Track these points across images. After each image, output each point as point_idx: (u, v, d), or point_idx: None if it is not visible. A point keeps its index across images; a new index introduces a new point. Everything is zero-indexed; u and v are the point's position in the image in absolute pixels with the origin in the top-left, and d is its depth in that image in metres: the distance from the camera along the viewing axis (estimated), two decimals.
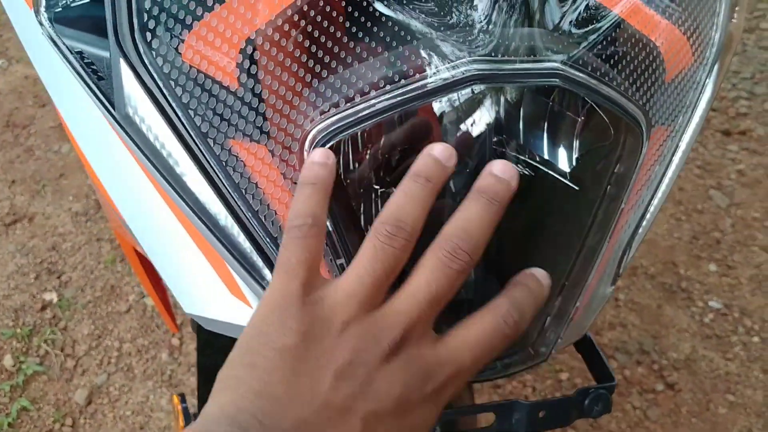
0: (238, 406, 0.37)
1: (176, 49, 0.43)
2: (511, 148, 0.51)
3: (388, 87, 0.44)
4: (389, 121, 0.45)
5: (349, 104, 0.44)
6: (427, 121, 0.46)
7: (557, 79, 0.46)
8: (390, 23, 0.44)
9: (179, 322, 1.62)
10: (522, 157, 0.51)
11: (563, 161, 0.52)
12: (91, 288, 1.82)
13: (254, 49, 0.43)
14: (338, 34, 0.44)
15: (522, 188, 0.48)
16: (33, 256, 1.91)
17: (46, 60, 0.55)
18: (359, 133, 0.45)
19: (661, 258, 1.73)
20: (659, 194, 0.58)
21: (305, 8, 0.43)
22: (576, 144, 0.53)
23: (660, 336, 1.56)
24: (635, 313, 1.62)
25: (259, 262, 0.48)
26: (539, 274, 0.46)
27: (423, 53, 0.44)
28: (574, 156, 0.53)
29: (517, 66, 0.45)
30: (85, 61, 0.46)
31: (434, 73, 0.44)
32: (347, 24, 0.44)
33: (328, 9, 0.43)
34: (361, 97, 0.44)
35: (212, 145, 0.45)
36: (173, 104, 0.44)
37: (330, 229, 0.45)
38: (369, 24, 0.44)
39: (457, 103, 0.46)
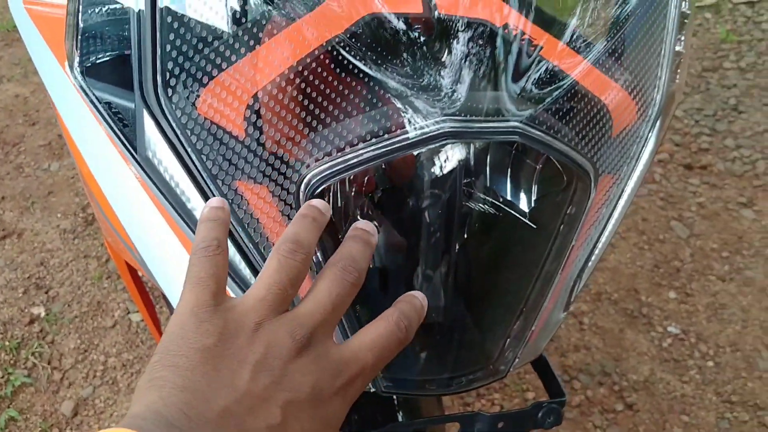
0: (164, 402, 0.39)
1: (193, 103, 0.50)
2: (478, 189, 0.59)
3: (372, 140, 0.51)
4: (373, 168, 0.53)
5: (339, 154, 0.51)
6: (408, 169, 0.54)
7: (516, 136, 0.53)
8: (373, 84, 0.52)
9: None
10: (488, 198, 0.59)
11: (523, 203, 0.60)
12: (78, 303, 1.86)
13: (259, 105, 0.50)
14: (330, 93, 0.51)
15: (487, 224, 0.57)
16: (21, 271, 1.95)
17: (72, 106, 0.62)
18: (348, 178, 0.52)
19: (624, 285, 1.80)
20: (606, 233, 0.65)
21: (301, 70, 0.50)
22: (534, 188, 0.61)
23: (621, 359, 1.62)
24: (599, 336, 1.68)
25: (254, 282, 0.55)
26: (419, 295, 0.52)
27: (402, 111, 0.51)
28: (533, 199, 0.61)
29: (482, 125, 0.52)
30: (113, 110, 0.53)
31: (412, 130, 0.51)
32: (337, 84, 0.51)
33: (320, 71, 0.51)
34: (350, 148, 0.51)
35: (221, 185, 0.52)
36: (188, 150, 0.51)
37: (320, 259, 0.53)
38: (355, 84, 0.52)
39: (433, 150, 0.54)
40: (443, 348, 0.63)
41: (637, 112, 0.64)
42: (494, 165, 0.59)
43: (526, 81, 0.56)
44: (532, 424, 0.66)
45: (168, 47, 0.49)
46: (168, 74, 0.50)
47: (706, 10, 2.64)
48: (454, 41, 0.53)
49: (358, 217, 0.55)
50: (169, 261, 0.60)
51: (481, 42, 0.54)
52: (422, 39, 0.53)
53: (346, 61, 0.51)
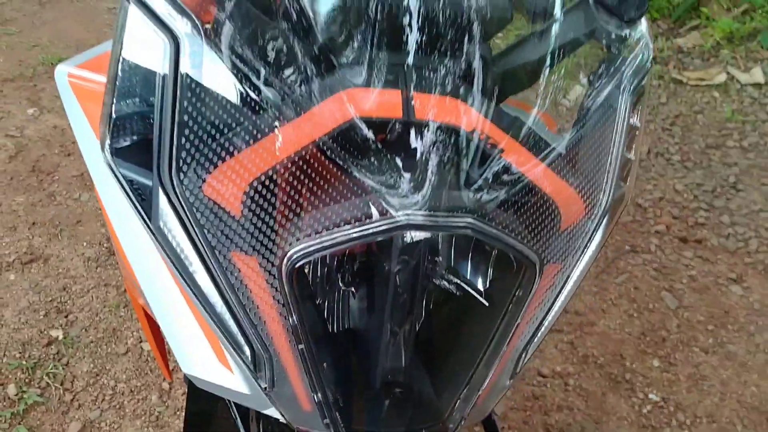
0: None
1: (200, 186, 0.61)
2: (440, 268, 0.69)
3: (346, 226, 0.61)
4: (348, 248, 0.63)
5: (317, 236, 0.61)
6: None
7: (469, 230, 0.63)
8: (350, 179, 0.62)
9: (172, 368, 1.78)
10: (447, 276, 0.69)
11: (478, 283, 0.70)
12: (95, 329, 1.97)
13: (253, 191, 0.61)
14: (313, 185, 0.62)
15: (447, 299, 0.66)
16: (44, 294, 2.06)
17: (103, 176, 0.73)
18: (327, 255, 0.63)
19: (611, 350, 1.87)
20: (552, 313, 0.75)
21: (289, 165, 0.61)
22: (488, 272, 0.71)
23: (601, 422, 1.69)
24: (582, 398, 1.75)
25: (241, 339, 0.65)
26: None
27: (372, 204, 0.62)
28: (486, 280, 0.71)
29: (440, 220, 0.62)
30: (133, 186, 0.64)
31: (382, 220, 0.61)
32: (320, 178, 0.62)
33: (305, 167, 0.61)
34: (326, 231, 0.61)
35: (218, 254, 0.62)
36: (193, 224, 0.62)
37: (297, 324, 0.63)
38: (336, 179, 0.62)
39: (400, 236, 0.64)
40: (402, 405, 0.73)
41: (585, 210, 0.74)
42: (456, 252, 0.69)
43: (483, 181, 0.66)
44: None
45: (183, 139, 0.60)
46: (181, 161, 0.61)
47: (714, 89, 2.75)
48: (422, 144, 0.64)
49: (334, 288, 0.65)
50: (171, 307, 0.70)
51: (445, 145, 0.64)
52: (395, 142, 0.64)
53: (328, 160, 0.62)
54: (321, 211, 0.62)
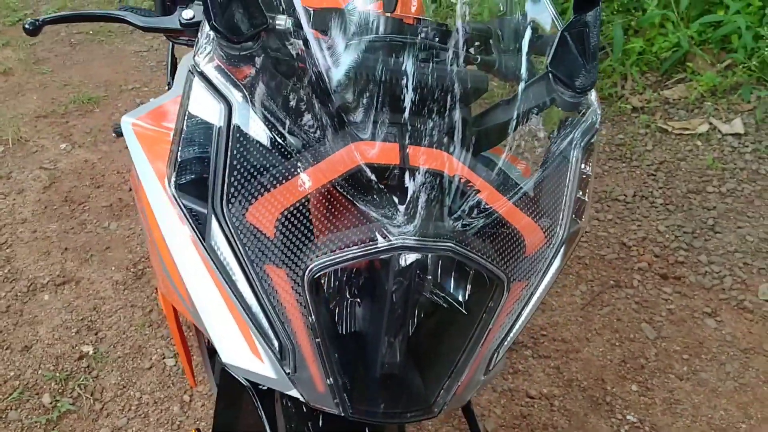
0: None
1: (243, 214, 0.79)
2: (429, 284, 0.87)
3: (354, 247, 0.79)
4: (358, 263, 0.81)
5: (332, 254, 0.79)
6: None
7: (451, 252, 0.81)
8: (356, 212, 0.80)
9: (198, 377, 1.96)
10: (435, 290, 0.87)
11: (459, 296, 0.88)
12: (122, 345, 2.14)
13: (284, 218, 0.79)
14: (327, 215, 0.80)
15: (434, 309, 0.84)
16: (76, 313, 2.24)
17: (160, 201, 0.92)
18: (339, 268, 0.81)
19: (594, 374, 2.02)
20: (519, 321, 0.92)
21: (310, 199, 0.79)
22: (466, 288, 0.88)
23: None
24: (566, 418, 1.90)
25: (271, 333, 0.83)
26: None
27: (375, 230, 0.79)
28: (465, 294, 0.88)
29: (428, 243, 0.79)
30: (192, 213, 0.83)
31: (382, 243, 0.79)
32: (334, 209, 0.80)
33: (322, 200, 0.80)
34: (339, 250, 0.79)
35: (255, 266, 0.80)
36: (237, 242, 0.80)
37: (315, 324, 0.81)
38: (347, 211, 0.80)
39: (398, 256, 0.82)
40: (396, 392, 0.89)
41: (545, 240, 0.91)
42: (440, 269, 0.87)
43: (462, 213, 0.83)
44: None
45: (232, 178, 0.79)
46: (231, 195, 0.79)
47: (697, 138, 2.93)
48: (414, 185, 0.81)
49: (344, 297, 0.83)
50: (215, 310, 0.88)
51: (432, 186, 0.81)
52: (393, 183, 0.82)
53: (341, 196, 0.80)
54: (335, 234, 0.80)
